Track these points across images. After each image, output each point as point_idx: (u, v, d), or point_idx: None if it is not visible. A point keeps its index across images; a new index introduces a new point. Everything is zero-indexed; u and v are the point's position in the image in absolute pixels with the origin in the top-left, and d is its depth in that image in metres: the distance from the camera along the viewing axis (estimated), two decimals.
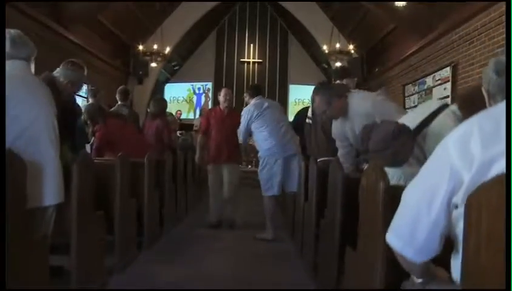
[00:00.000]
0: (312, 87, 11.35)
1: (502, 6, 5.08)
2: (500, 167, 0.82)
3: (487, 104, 1.15)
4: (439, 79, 6.62)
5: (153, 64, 9.65)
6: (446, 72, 6.37)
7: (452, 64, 6.21)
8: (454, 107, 1.89)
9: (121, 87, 5.26)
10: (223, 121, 4.62)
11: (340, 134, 2.84)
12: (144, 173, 3.73)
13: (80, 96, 8.47)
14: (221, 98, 4.69)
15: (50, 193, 1.91)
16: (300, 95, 13.36)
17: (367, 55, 10.02)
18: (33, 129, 1.86)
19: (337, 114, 2.70)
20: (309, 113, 3.77)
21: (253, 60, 13.45)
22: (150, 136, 4.81)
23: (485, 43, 5.49)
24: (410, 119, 1.93)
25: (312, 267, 2.96)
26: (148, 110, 5.22)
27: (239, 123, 4.42)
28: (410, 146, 1.78)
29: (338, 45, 8.72)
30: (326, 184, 2.65)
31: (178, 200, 5.06)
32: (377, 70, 9.61)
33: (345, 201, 2.22)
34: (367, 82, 10.42)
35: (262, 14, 13.39)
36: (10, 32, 2.09)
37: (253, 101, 4.35)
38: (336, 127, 2.86)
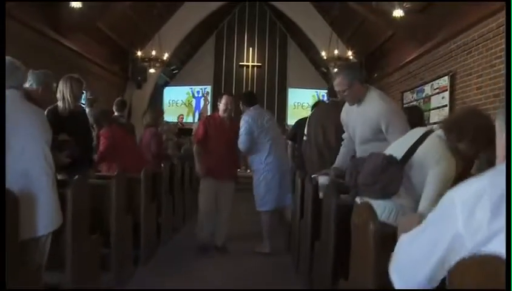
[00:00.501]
0: (311, 91, 11.18)
1: (499, 18, 5.09)
2: (498, 243, 0.79)
3: (501, 140, 1.08)
4: (437, 88, 6.62)
5: (152, 70, 9.65)
6: (444, 81, 6.37)
7: (450, 73, 6.21)
8: (439, 132, 1.88)
9: (117, 99, 5.28)
10: (223, 132, 4.14)
11: (344, 119, 2.83)
12: (141, 188, 3.74)
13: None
14: (221, 106, 4.16)
15: (43, 223, 1.92)
16: (299, 99, 13.38)
17: (366, 60, 10.01)
18: (22, 161, 1.86)
19: (353, 99, 2.61)
20: (306, 130, 3.75)
21: (252, 63, 13.44)
22: (143, 145, 4.82)
23: (483, 54, 5.50)
24: (398, 148, 1.92)
25: (308, 284, 2.98)
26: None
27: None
28: (399, 177, 1.78)
29: (336, 52, 8.72)
30: (321, 203, 2.66)
31: (175, 211, 5.07)
32: (376, 75, 9.61)
33: (339, 226, 2.22)
34: None
35: (261, 18, 13.38)
36: None
37: (252, 110, 4.14)
38: (344, 111, 2.82)
